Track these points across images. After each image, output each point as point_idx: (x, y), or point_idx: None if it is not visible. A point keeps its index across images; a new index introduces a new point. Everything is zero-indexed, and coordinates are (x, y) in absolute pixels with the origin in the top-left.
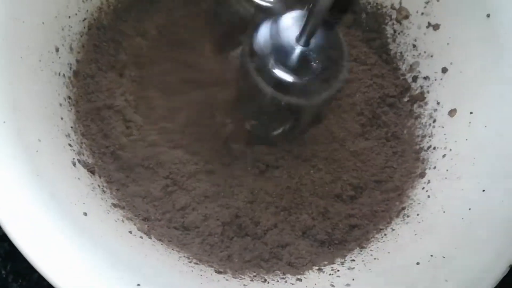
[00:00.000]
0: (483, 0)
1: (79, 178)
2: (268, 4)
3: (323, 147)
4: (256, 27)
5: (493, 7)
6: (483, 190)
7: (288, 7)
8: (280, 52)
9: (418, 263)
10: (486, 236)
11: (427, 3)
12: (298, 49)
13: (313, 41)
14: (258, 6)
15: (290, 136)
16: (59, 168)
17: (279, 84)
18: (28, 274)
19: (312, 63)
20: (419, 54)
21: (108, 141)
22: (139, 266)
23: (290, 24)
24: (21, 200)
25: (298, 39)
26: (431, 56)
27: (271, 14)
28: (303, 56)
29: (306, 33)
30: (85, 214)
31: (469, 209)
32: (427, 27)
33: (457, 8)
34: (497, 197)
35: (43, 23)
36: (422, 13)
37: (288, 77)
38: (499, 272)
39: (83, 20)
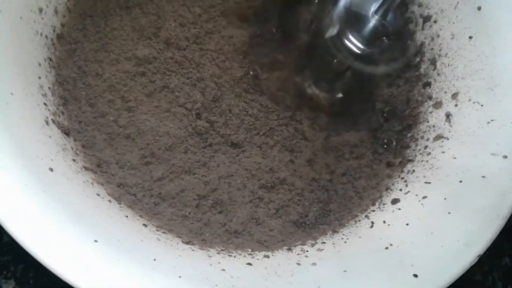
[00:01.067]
0: None
1: (50, 136)
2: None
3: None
4: None
5: None
6: (460, 181)
7: None
8: (356, 21)
9: (387, 248)
10: (459, 225)
11: None
12: (374, 20)
13: (389, 16)
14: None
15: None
16: (29, 123)
17: (349, 50)
18: (14, 265)
19: (383, 35)
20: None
21: (88, 108)
22: (100, 225)
23: None
24: None
25: (376, 11)
26: None
27: None
28: (376, 28)
29: (385, 6)
30: (51, 170)
31: (445, 199)
32: None
33: None
34: (473, 188)
35: None
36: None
37: (359, 44)
38: (466, 262)
39: None
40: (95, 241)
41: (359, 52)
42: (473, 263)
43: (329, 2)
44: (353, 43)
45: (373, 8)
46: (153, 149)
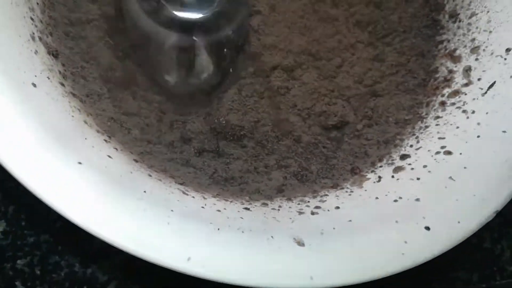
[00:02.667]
0: None
1: (36, 52)
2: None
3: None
4: None
5: None
6: (478, 136)
7: None
8: None
9: (395, 201)
10: (475, 180)
11: None
12: None
13: None
14: None
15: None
16: (12, 33)
17: (180, 23)
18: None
19: None
20: None
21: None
22: (84, 150)
23: None
24: None
25: None
26: None
27: None
28: None
29: None
30: (34, 85)
31: (460, 153)
32: None
33: None
34: (492, 143)
35: None
36: None
37: (188, 14)
38: (483, 217)
39: None
40: (79, 163)
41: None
42: (489, 219)
43: None
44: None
45: None
46: None
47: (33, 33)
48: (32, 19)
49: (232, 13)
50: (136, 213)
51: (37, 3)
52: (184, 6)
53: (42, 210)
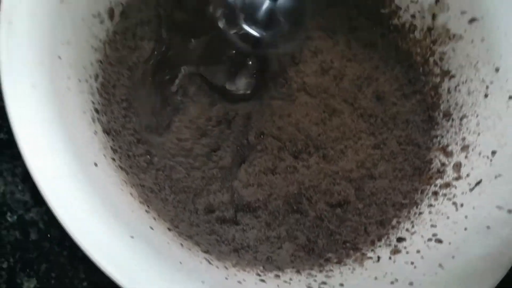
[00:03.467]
0: None
1: (95, 132)
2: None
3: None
4: None
5: None
6: (465, 229)
7: None
8: (250, 6)
9: (392, 283)
10: (462, 270)
11: None
12: (266, 4)
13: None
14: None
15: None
16: (80, 117)
17: (247, 36)
18: (37, 264)
19: (278, 18)
20: None
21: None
22: (134, 223)
23: None
24: (43, 139)
25: None
26: None
27: None
28: (270, 11)
29: None
30: (96, 164)
31: (449, 243)
32: None
33: None
34: (477, 237)
35: None
36: None
37: (255, 30)
38: None
39: None
40: (132, 237)
41: (257, 37)
42: None
43: None
44: (250, 30)
45: None
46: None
47: (93, 115)
48: (92, 102)
49: (290, 37)
50: (178, 286)
51: (97, 88)
52: (254, 23)
53: (71, 270)
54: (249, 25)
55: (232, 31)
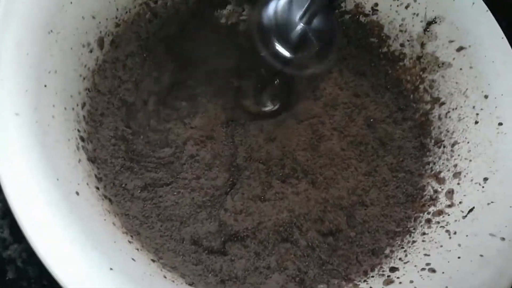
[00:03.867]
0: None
1: (79, 161)
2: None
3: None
4: (264, 3)
5: None
6: (459, 257)
7: None
8: (283, 28)
9: None
10: None
11: None
12: (299, 27)
13: (314, 22)
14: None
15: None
16: (63, 146)
17: (278, 55)
18: None
19: (310, 40)
20: None
21: (113, 141)
22: (115, 254)
23: (294, 3)
24: (23, 167)
25: (301, 18)
26: None
27: None
28: (302, 34)
29: (309, 13)
30: (77, 193)
31: (443, 272)
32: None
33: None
34: (470, 266)
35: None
36: None
37: (286, 50)
38: None
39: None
40: (111, 268)
41: (286, 58)
42: None
43: (257, 8)
44: (281, 50)
45: (298, 15)
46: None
47: (78, 143)
48: (78, 130)
49: (320, 59)
50: None
51: (83, 116)
52: (286, 43)
53: None
54: (281, 45)
55: (264, 49)
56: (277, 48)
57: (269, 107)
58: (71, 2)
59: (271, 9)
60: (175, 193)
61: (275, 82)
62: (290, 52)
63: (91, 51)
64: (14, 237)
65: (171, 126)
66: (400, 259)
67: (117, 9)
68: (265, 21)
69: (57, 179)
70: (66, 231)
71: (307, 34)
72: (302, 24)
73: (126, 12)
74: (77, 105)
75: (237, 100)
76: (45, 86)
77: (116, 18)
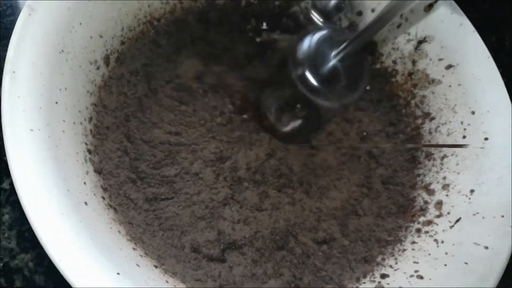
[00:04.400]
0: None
1: (87, 173)
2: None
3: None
4: (302, 37)
5: None
6: (445, 265)
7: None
8: (318, 59)
9: None
10: None
11: None
12: (332, 62)
13: (347, 60)
14: None
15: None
16: (73, 158)
17: (308, 84)
18: None
19: (338, 77)
20: None
21: (119, 153)
22: (121, 260)
23: (330, 40)
24: (38, 180)
25: (336, 55)
26: None
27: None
28: (333, 69)
29: (344, 52)
30: (86, 203)
31: (430, 279)
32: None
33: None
34: (456, 273)
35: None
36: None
37: (316, 82)
38: None
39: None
40: (118, 273)
41: (313, 87)
42: None
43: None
44: (310, 77)
45: (335, 51)
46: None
47: (86, 156)
48: (86, 143)
49: (344, 95)
50: None
51: (90, 130)
52: (316, 73)
53: None
54: (311, 74)
55: (295, 73)
56: (306, 74)
57: (287, 128)
58: (81, 23)
59: (313, 39)
60: (175, 206)
61: (297, 107)
62: (317, 81)
63: (98, 68)
64: (21, 247)
65: (177, 143)
66: (390, 266)
67: (123, 28)
68: (304, 48)
69: (68, 190)
70: (77, 239)
71: (337, 71)
72: (335, 60)
73: (131, 30)
74: (85, 119)
75: (258, 113)
76: (56, 103)
77: (122, 36)
